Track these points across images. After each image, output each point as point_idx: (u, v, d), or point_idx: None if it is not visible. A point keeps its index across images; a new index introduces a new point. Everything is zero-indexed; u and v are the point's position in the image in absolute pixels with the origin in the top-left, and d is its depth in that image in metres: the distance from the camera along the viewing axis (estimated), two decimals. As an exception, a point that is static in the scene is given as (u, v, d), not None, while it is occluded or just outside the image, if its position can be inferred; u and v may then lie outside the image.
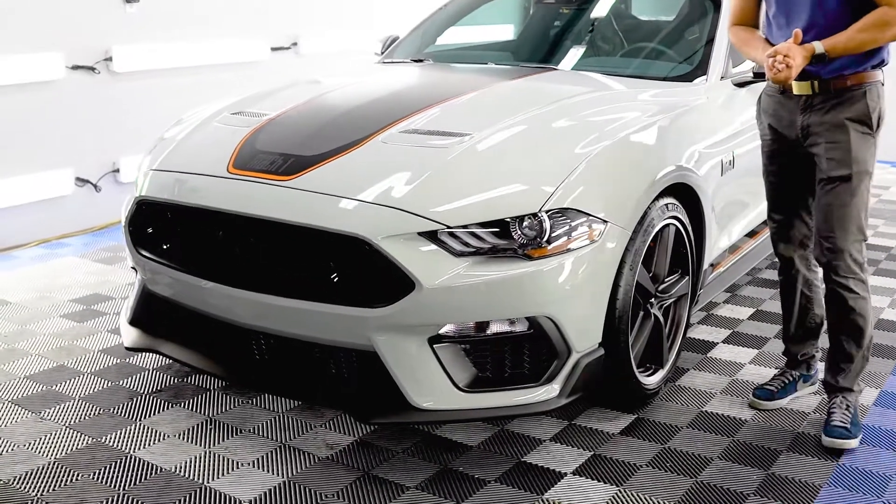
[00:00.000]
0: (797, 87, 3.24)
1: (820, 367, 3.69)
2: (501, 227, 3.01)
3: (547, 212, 3.03)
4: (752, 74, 4.23)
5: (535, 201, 3.03)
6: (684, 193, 3.63)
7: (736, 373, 3.91)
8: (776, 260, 3.66)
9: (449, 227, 2.97)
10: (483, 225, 3.00)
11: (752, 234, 4.53)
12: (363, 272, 3.04)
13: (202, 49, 6.65)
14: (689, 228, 3.68)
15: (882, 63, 3.24)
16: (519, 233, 3.01)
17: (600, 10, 4.84)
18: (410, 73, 4.61)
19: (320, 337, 3.15)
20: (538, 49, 4.91)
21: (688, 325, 3.83)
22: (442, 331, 3.03)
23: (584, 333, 3.14)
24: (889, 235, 5.96)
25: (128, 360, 4.01)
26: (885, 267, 5.29)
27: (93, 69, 6.05)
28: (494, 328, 3.06)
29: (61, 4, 5.83)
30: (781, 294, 3.66)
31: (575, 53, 4.61)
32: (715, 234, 3.94)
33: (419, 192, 3.06)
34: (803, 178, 3.39)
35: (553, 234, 3.03)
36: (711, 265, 4.04)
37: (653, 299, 3.51)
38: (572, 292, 3.06)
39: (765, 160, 3.53)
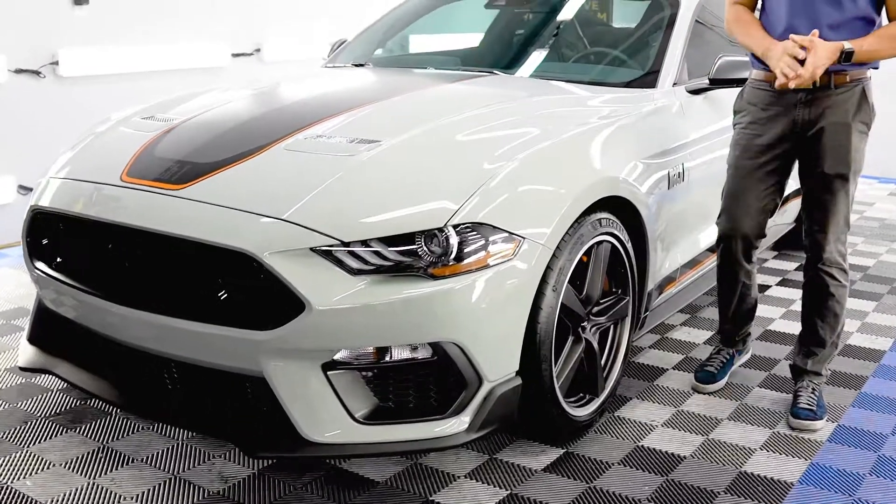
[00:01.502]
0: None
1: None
2: (404, 243, 2.73)
3: (455, 227, 2.75)
4: (707, 81, 3.96)
5: (442, 215, 2.75)
6: (625, 208, 3.35)
7: (682, 402, 3.62)
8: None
9: (345, 243, 2.70)
10: (384, 240, 2.72)
11: (712, 250, 4.24)
12: (252, 291, 2.77)
13: (156, 53, 6.40)
14: (629, 246, 3.40)
15: (875, 66, 3.28)
16: (424, 249, 2.73)
17: (552, 15, 4.58)
18: (338, 77, 4.34)
19: (210, 361, 2.88)
20: (486, 54, 4.66)
21: (629, 350, 3.54)
22: (337, 356, 2.75)
23: (497, 361, 2.86)
24: (868, 254, 5.67)
25: (33, 380, 3.74)
26: (860, 288, 5.00)
27: (38, 73, 5.80)
28: (395, 354, 2.78)
29: (4, 5, 5.59)
30: (721, 283, 3.67)
31: (522, 59, 4.35)
32: (660, 253, 3.66)
33: (314, 204, 2.79)
34: (777, 177, 3.40)
35: (461, 252, 2.74)
36: (659, 286, 3.76)
37: (585, 322, 3.23)
38: (483, 315, 2.78)
39: (737, 153, 3.44)
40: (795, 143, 3.32)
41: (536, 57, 4.33)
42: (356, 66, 4.53)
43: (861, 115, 3.24)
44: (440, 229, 2.73)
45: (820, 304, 3.42)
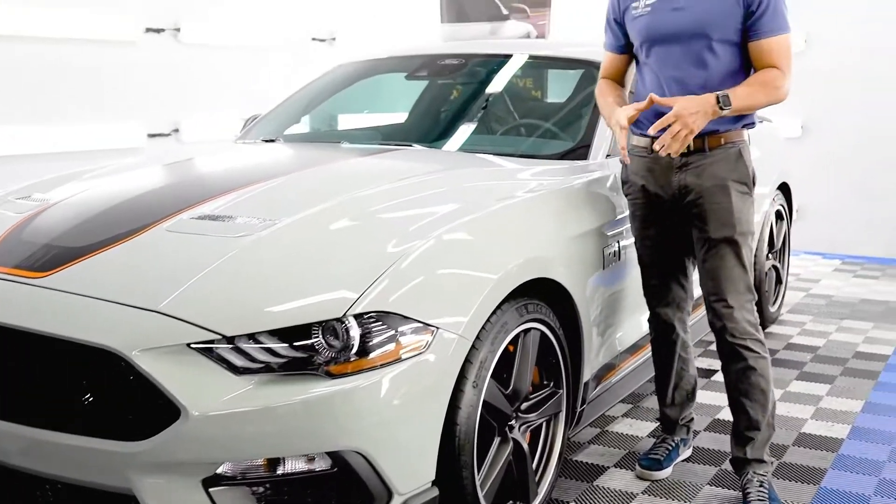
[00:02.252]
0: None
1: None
2: (299, 337, 2.36)
3: (357, 317, 2.39)
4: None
5: (342, 303, 2.39)
6: (555, 291, 3.02)
7: (625, 505, 3.26)
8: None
9: (227, 338, 2.32)
10: (275, 334, 2.35)
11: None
12: (120, 396, 2.37)
13: (65, 133, 6.01)
14: (561, 333, 3.06)
15: (752, 124, 3.21)
16: (322, 343, 2.36)
17: (478, 87, 4.30)
18: (242, 153, 4.00)
19: (80, 479, 2.45)
20: (408, 129, 4.36)
21: (564, 448, 3.18)
22: (220, 470, 2.35)
23: (409, 470, 2.47)
24: (816, 334, 5.39)
25: None
26: (811, 370, 4.70)
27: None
28: (290, 466, 2.38)
29: None
30: (657, 359, 3.55)
31: (446, 132, 4.04)
32: (596, 339, 3.32)
33: (194, 293, 2.41)
34: (680, 240, 3.31)
35: (365, 345, 2.38)
36: (597, 376, 3.41)
37: (512, 421, 2.87)
38: (391, 418, 2.40)
39: (637, 224, 3.36)
40: (680, 210, 3.22)
41: (461, 130, 4.03)
42: (266, 141, 4.19)
43: (739, 176, 3.14)
44: (340, 320, 2.37)
45: (744, 383, 3.22)
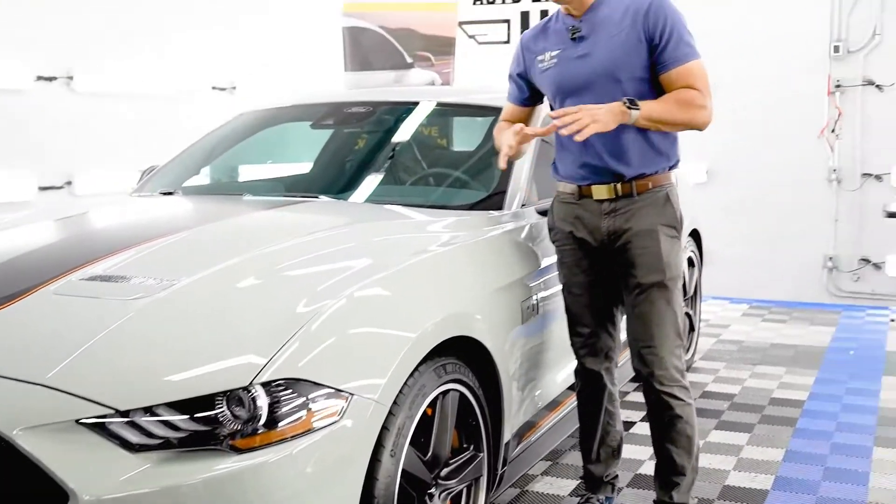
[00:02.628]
0: (597, 192, 3.11)
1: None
2: (201, 409, 2.16)
3: (265, 385, 2.20)
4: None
5: (248, 370, 2.20)
6: (474, 348, 2.88)
7: (551, 572, 3.10)
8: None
9: (121, 412, 2.12)
10: (174, 406, 2.15)
11: (573, 388, 3.79)
12: (2, 479, 2.14)
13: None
14: (481, 393, 2.91)
15: (676, 164, 3.18)
16: (227, 415, 2.17)
17: (386, 135, 4.16)
18: (138, 207, 3.77)
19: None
20: (314, 179, 4.19)
21: (487, 515, 3.02)
22: (115, 560, 2.13)
23: (325, 549, 2.29)
24: (731, 381, 5.35)
25: None
26: (728, 419, 4.63)
27: None
28: (192, 552, 2.18)
29: None
30: (582, 412, 3.43)
31: (354, 183, 3.89)
32: (516, 397, 3.18)
33: (83, 363, 2.20)
34: (608, 287, 3.24)
35: (274, 415, 2.19)
36: (518, 434, 3.27)
37: (432, 489, 2.69)
38: (304, 495, 2.21)
39: (565, 272, 3.29)
40: (609, 255, 3.17)
41: (369, 180, 3.89)
42: (164, 194, 3.97)
43: (667, 220, 3.11)
44: (246, 388, 2.18)
45: (669, 430, 3.18)
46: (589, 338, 3.29)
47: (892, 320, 7.00)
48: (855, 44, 7.55)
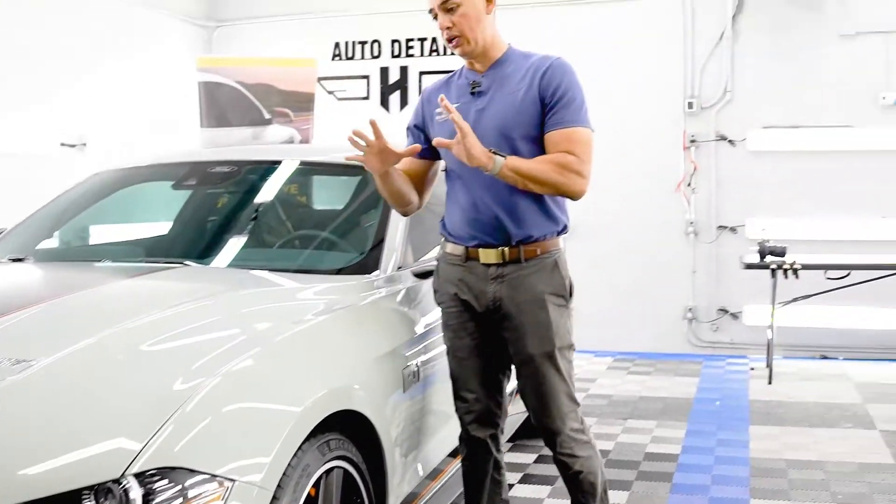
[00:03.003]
0: (485, 256, 3.05)
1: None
2: (65, 506, 1.96)
3: (138, 475, 2.01)
4: (435, 262, 3.49)
5: (118, 461, 2.01)
6: (355, 422, 2.73)
7: None
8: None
9: (-28, 515, 1.89)
10: (34, 504, 1.94)
11: (455, 454, 3.68)
12: None
13: None
14: (365, 468, 2.76)
15: (565, 229, 3.14)
16: (96, 511, 1.97)
17: (252, 196, 4.00)
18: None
19: None
20: (176, 243, 3.96)
21: None
22: None
23: None
24: (604, 436, 5.32)
25: None
26: (607, 477, 4.57)
27: None
28: None
29: None
30: (467, 481, 3.31)
31: (219, 247, 3.70)
32: (399, 469, 3.04)
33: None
34: (495, 352, 3.15)
35: (148, 509, 2.00)
36: (401, 507, 3.13)
37: (318, 573, 2.53)
38: None
39: (449, 335, 3.19)
40: (495, 322, 3.10)
41: (236, 244, 3.71)
42: (14, 261, 3.68)
43: (555, 288, 3.07)
44: (117, 481, 1.99)
45: (574, 480, 3.18)
46: (474, 404, 3.19)
47: (752, 369, 7.17)
48: (708, 100, 7.80)
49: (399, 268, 3.47)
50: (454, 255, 3.14)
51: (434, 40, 8.48)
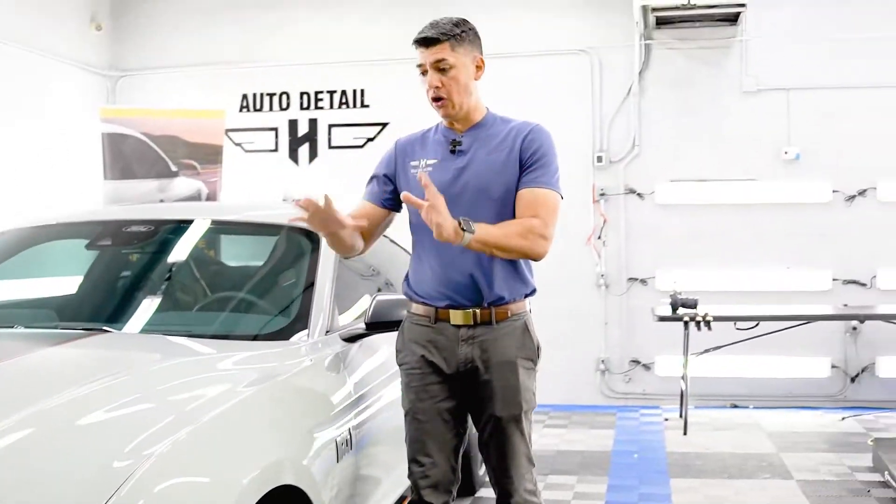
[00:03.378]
0: (455, 317, 3.05)
1: None
2: None
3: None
4: (363, 326, 3.42)
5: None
6: (290, 496, 2.62)
7: None
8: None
9: None
10: None
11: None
12: None
13: None
14: (302, 545, 2.65)
15: (533, 292, 3.16)
16: None
17: (174, 255, 3.86)
18: None
19: None
20: (91, 306, 3.80)
21: None
22: None
23: None
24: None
25: None
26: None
27: None
28: None
29: None
30: None
31: (140, 309, 3.55)
32: (336, 543, 2.93)
33: None
34: (457, 415, 3.14)
35: None
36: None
37: None
38: None
39: (411, 396, 3.13)
40: (464, 382, 3.10)
41: (157, 307, 3.56)
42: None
43: (525, 352, 3.10)
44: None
45: None
46: (430, 468, 3.11)
47: (666, 419, 7.22)
48: (616, 154, 7.91)
49: (327, 332, 3.38)
50: (422, 315, 3.11)
51: (343, 93, 8.43)
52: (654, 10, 7.32)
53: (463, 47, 3.10)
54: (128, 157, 8.21)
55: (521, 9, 8.07)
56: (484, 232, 2.88)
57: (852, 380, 7.63)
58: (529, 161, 3.06)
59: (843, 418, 7.08)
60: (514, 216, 3.03)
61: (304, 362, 3.13)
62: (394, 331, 3.36)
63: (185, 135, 8.19)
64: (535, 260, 3.07)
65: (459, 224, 2.83)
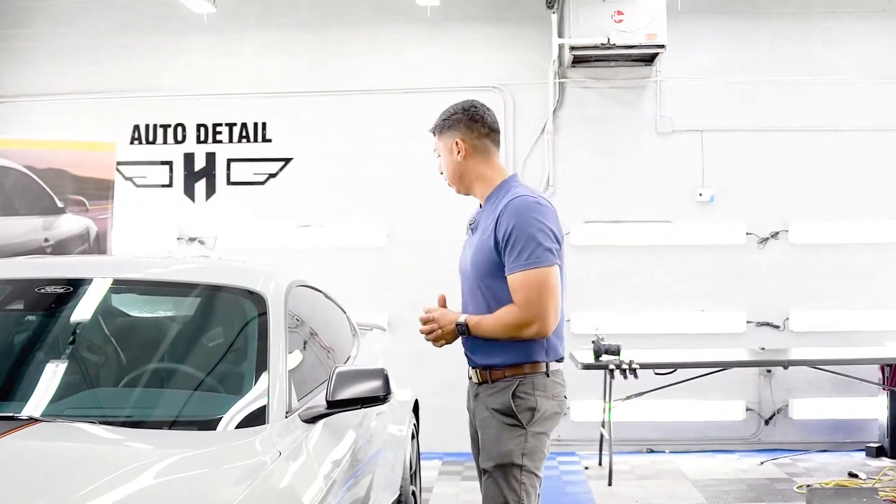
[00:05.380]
0: (471, 373, 3.41)
1: None
2: None
3: None
4: (325, 404, 3.09)
5: None
6: None
7: None
8: None
9: None
10: None
11: None
12: None
13: None
14: None
15: (546, 357, 3.26)
16: None
17: (102, 323, 3.43)
18: None
19: None
20: (11, 386, 3.32)
21: None
22: None
23: None
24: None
25: None
26: None
27: None
28: None
29: None
30: None
31: (72, 390, 3.14)
32: None
33: None
34: None
35: None
36: None
37: None
38: None
39: None
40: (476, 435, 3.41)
41: (75, 389, 3.14)
42: None
43: (503, 408, 3.22)
44: None
45: None
46: None
47: (587, 468, 7.04)
48: (531, 193, 7.71)
49: (287, 413, 3.02)
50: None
51: (243, 126, 8.01)
52: (573, 48, 7.18)
53: (443, 136, 3.40)
54: (8, 193, 7.60)
55: (432, 43, 7.83)
56: (477, 331, 3.25)
57: (766, 422, 7.61)
58: (504, 245, 3.18)
59: (762, 462, 7.04)
60: (507, 295, 3.21)
61: (263, 456, 2.70)
62: (357, 409, 3.07)
63: (72, 168, 7.63)
64: (537, 338, 3.20)
65: (457, 328, 3.27)
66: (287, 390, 3.09)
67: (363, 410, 3.36)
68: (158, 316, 3.74)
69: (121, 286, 3.62)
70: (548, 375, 3.26)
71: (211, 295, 3.57)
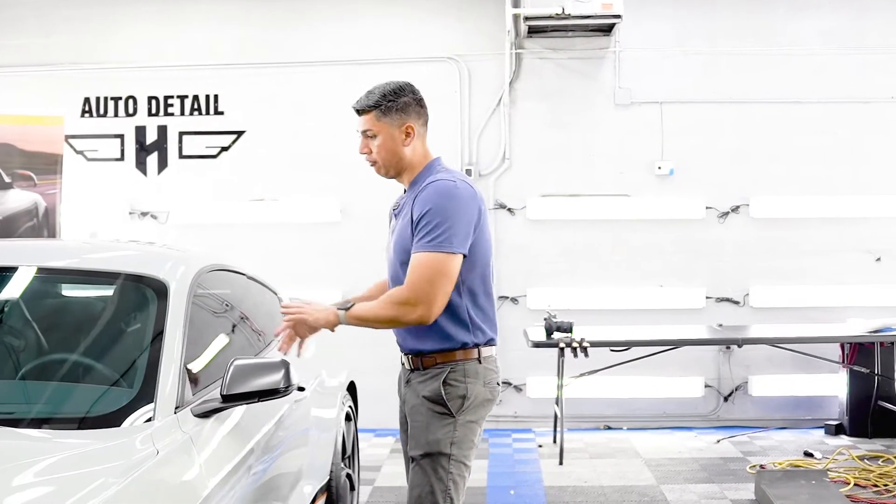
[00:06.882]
0: (403, 359, 3.35)
1: None
2: None
3: None
4: (220, 398, 2.96)
5: None
6: None
7: None
8: None
9: None
10: None
11: None
12: None
13: None
14: None
15: (470, 344, 3.19)
16: None
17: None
18: None
19: None
20: None
21: None
22: None
23: None
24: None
25: None
26: None
27: None
28: None
29: None
30: None
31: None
32: None
33: None
34: None
35: None
36: None
37: None
38: None
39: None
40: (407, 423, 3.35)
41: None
42: None
43: (433, 395, 3.18)
44: None
45: None
46: None
47: (540, 446, 6.95)
48: (486, 167, 7.58)
49: (177, 408, 2.89)
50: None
51: (195, 98, 7.83)
52: (528, 18, 7.01)
53: (389, 117, 3.23)
54: (-46, 168, 7.46)
55: (385, 13, 7.66)
56: (358, 310, 3.14)
57: (725, 399, 7.53)
58: (416, 226, 3.11)
59: (719, 440, 6.95)
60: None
61: (144, 451, 2.58)
62: (254, 402, 2.94)
63: (19, 142, 7.47)
64: (419, 324, 3.09)
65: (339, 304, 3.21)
66: (179, 384, 2.95)
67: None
68: (54, 306, 3.58)
69: (17, 274, 3.45)
70: (480, 362, 3.21)
71: (111, 283, 3.42)
